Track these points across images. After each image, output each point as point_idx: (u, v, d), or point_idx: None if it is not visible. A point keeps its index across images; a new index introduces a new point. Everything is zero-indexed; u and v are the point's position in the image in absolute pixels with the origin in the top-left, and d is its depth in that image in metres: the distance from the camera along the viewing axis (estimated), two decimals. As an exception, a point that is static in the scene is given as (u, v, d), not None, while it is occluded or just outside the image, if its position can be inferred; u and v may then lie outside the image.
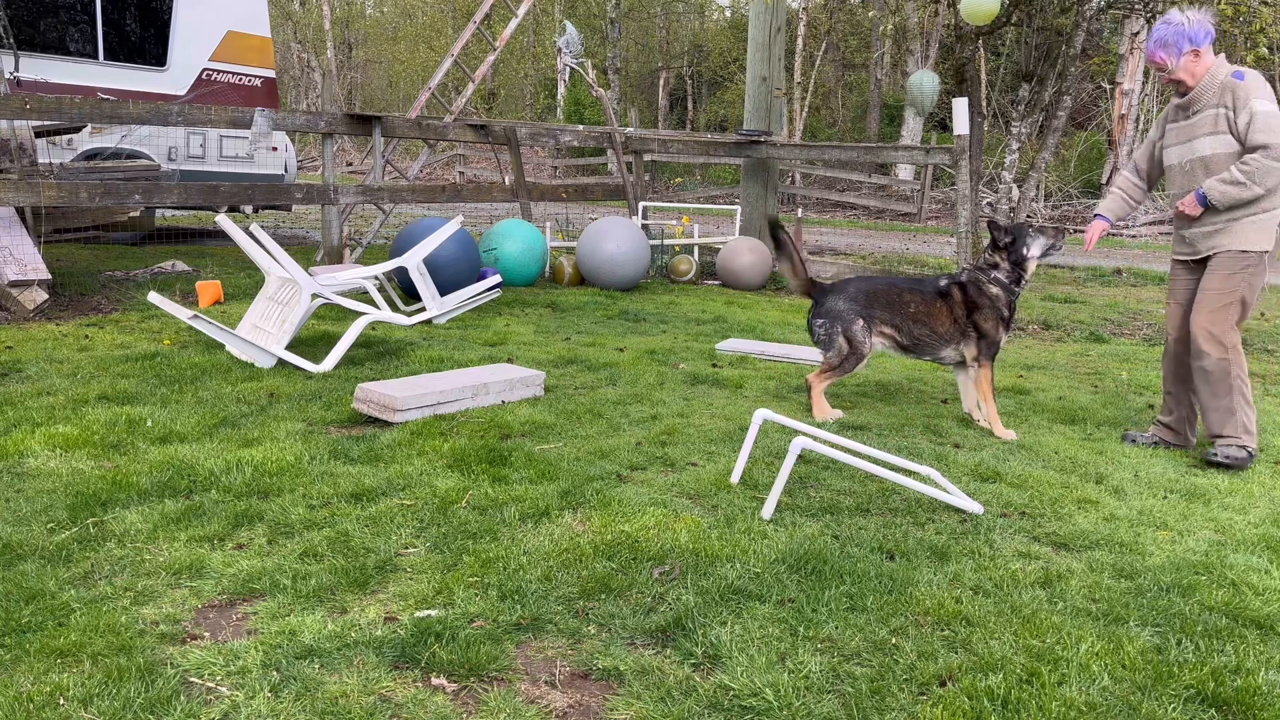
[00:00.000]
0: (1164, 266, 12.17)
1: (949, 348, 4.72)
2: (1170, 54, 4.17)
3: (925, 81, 11.05)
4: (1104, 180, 20.07)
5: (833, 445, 3.61)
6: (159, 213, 12.00)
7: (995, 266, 4.65)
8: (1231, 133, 4.08)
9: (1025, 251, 4.61)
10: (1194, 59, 4.14)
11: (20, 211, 6.99)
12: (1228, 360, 4.16)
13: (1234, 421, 4.17)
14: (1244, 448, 4.16)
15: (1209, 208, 4.15)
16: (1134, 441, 4.54)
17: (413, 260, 6.38)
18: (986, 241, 4.76)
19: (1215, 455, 4.17)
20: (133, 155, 9.73)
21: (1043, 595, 2.81)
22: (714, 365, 5.74)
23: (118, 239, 10.58)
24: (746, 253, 9.47)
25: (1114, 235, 17.71)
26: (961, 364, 4.77)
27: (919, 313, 4.69)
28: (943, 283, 4.76)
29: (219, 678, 2.24)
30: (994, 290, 4.63)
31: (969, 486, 3.73)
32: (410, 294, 7.13)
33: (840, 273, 9.64)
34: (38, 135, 7.87)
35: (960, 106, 8.17)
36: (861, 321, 4.67)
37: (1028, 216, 9.83)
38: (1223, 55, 4.22)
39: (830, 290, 4.78)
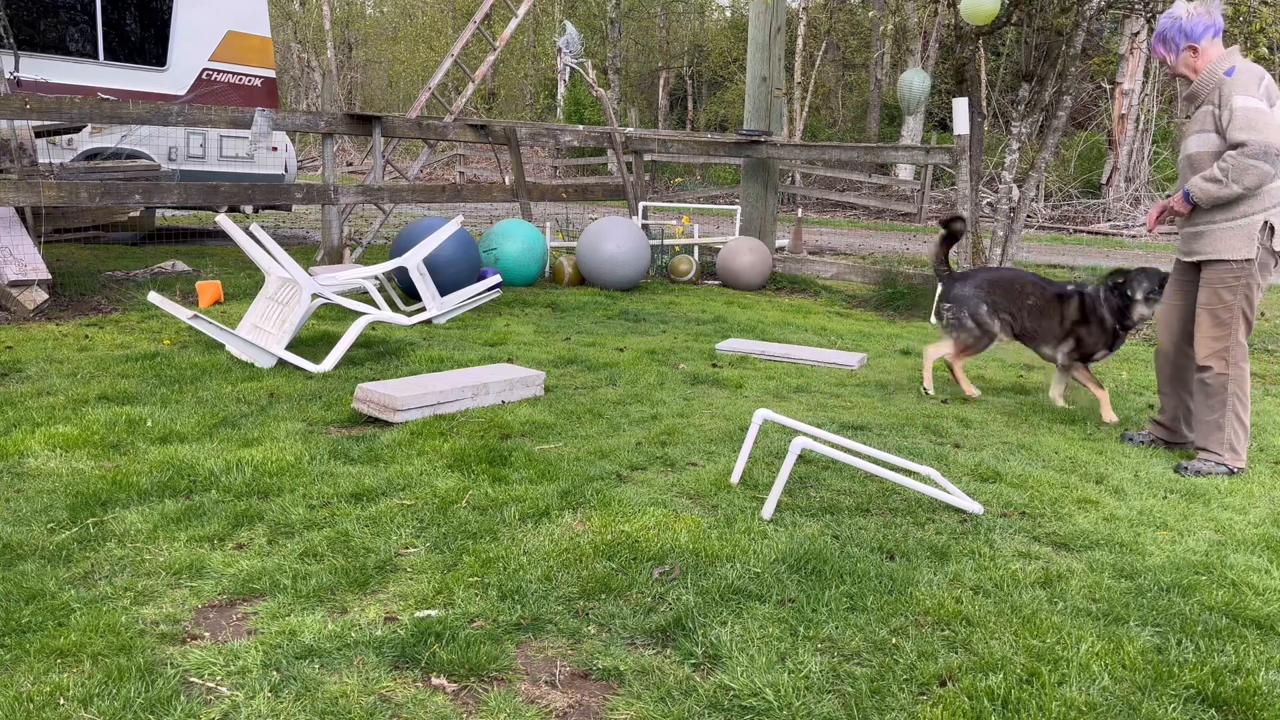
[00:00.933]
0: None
1: (1049, 345, 5.12)
2: (1169, 50, 4.14)
3: (915, 81, 11.01)
4: (1104, 180, 20.09)
5: (833, 445, 3.61)
6: (159, 213, 11.99)
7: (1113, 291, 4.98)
8: (1217, 130, 4.02)
9: (1131, 294, 4.86)
10: (1192, 55, 4.09)
11: (20, 211, 6.99)
12: (1227, 376, 4.12)
13: (1219, 437, 4.14)
14: (1221, 464, 4.12)
15: (1195, 206, 4.13)
16: (1132, 440, 4.55)
17: (413, 260, 6.38)
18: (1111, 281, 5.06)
19: (1186, 467, 4.15)
20: (133, 155, 9.73)
21: (1043, 595, 2.81)
22: (714, 365, 5.74)
23: (118, 239, 10.58)
24: (746, 253, 9.46)
25: (1114, 235, 17.71)
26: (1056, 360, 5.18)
27: (1035, 307, 5.09)
28: (1069, 288, 5.11)
29: (219, 678, 2.24)
30: (1104, 313, 4.94)
31: (969, 486, 3.73)
32: (410, 294, 7.13)
33: (841, 272, 9.64)
34: (38, 135, 7.87)
35: (960, 106, 8.17)
36: (986, 306, 5.14)
37: (1028, 217, 9.82)
38: (1234, 49, 4.10)
39: (959, 278, 5.25)
